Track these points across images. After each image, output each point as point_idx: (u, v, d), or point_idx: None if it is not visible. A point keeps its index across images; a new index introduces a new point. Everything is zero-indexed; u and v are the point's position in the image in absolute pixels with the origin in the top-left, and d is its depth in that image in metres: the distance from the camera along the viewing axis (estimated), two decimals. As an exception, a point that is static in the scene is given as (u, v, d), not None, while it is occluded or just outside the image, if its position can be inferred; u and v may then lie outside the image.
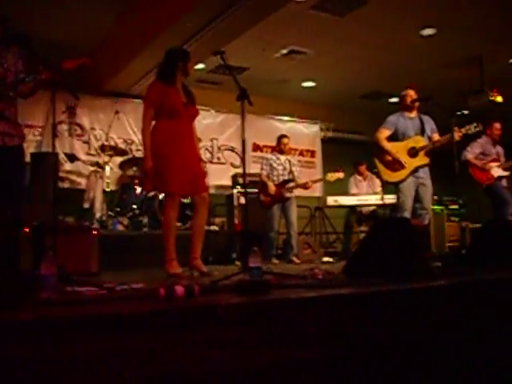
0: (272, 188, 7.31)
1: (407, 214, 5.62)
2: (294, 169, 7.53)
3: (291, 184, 7.39)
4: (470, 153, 7.24)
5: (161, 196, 7.14)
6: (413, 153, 5.80)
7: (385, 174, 5.90)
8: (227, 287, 3.28)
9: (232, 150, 10.32)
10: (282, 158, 7.55)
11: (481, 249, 4.93)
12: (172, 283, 2.91)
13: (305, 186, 7.52)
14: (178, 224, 6.96)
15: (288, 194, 7.36)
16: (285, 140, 7.60)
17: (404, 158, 5.76)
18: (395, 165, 5.79)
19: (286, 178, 7.43)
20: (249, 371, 1.81)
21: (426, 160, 5.80)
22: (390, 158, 5.82)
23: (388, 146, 5.85)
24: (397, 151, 5.79)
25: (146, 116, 4.57)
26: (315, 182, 8.11)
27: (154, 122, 4.63)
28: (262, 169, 7.58)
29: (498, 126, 7.37)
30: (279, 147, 7.61)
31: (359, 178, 9.11)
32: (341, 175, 7.75)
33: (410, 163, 5.75)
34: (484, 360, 1.99)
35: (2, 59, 3.86)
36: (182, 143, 4.60)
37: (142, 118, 4.59)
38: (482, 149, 7.31)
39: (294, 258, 7.31)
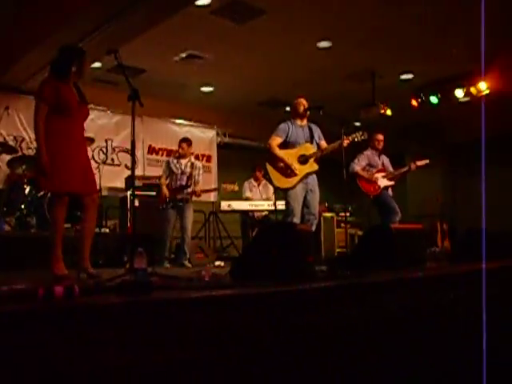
0: (164, 190, 7.36)
1: (296, 220, 5.78)
2: (195, 172, 7.57)
3: (188, 190, 7.42)
4: (358, 165, 7.54)
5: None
6: (303, 160, 5.98)
7: (276, 180, 6.04)
8: (111, 288, 3.26)
9: (127, 151, 10.16)
10: (183, 161, 7.57)
11: (364, 253, 5.17)
12: (52, 284, 2.86)
13: (196, 194, 7.57)
14: (68, 225, 6.83)
15: (182, 199, 7.39)
16: (182, 144, 7.65)
17: (295, 165, 5.93)
18: (286, 171, 5.94)
19: (184, 183, 7.45)
20: (124, 371, 1.82)
21: (315, 167, 6.01)
22: (281, 164, 5.97)
23: (280, 153, 6.00)
24: (288, 158, 5.95)
25: (39, 112, 4.41)
26: (209, 191, 8.22)
27: (45, 120, 4.47)
28: (163, 172, 7.70)
29: (380, 137, 7.73)
30: (180, 152, 7.64)
31: (254, 183, 9.28)
32: (235, 188, 7.96)
33: (301, 170, 5.93)
34: (354, 360, 2.11)
35: None
36: (75, 142, 4.53)
37: (34, 114, 4.42)
38: (369, 160, 7.64)
39: (186, 263, 7.33)
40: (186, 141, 7.74)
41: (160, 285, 3.31)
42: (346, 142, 5.88)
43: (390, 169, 7.72)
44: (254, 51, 8.96)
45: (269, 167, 6.09)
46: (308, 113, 6.16)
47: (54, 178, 4.38)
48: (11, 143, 8.70)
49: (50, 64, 4.71)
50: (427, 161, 7.59)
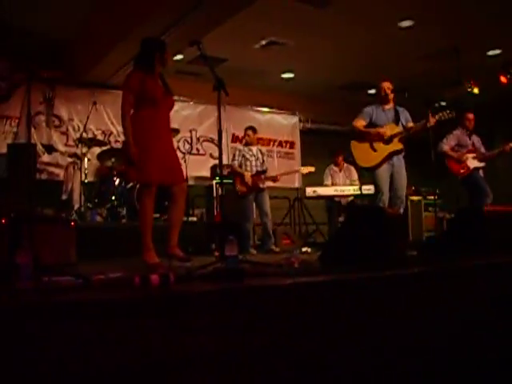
0: (248, 177, 7.34)
1: (385, 199, 5.68)
2: (265, 158, 7.59)
3: (266, 175, 7.44)
4: (446, 144, 7.31)
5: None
6: (387, 139, 5.86)
7: (360, 160, 5.97)
8: (203, 276, 3.31)
9: (211, 141, 10.30)
10: (254, 148, 7.58)
11: (454, 237, 5.00)
12: (147, 272, 2.93)
13: (275, 179, 7.58)
14: (156, 215, 6.99)
15: (262, 185, 7.41)
16: (248, 132, 7.66)
17: (378, 144, 5.84)
18: (370, 150, 5.85)
19: (260, 169, 7.46)
20: (221, 357, 1.83)
21: (399, 146, 5.87)
22: (366, 143, 5.88)
23: (364, 129, 5.94)
24: (372, 136, 5.87)
25: (126, 103, 4.53)
26: (284, 174, 8.17)
27: (132, 111, 4.60)
28: (233, 160, 7.63)
29: (471, 116, 7.45)
30: (244, 139, 7.68)
31: (335, 168, 9.16)
32: (312, 169, 7.90)
33: (385, 149, 5.82)
34: (454, 349, 2.04)
35: None
36: (161, 133, 4.61)
37: (121, 105, 4.54)
38: (458, 140, 7.39)
39: (273, 247, 7.35)
40: (252, 128, 7.73)
41: (251, 272, 3.33)
42: (432, 121, 5.71)
43: (482, 150, 7.43)
44: (335, 35, 8.83)
45: (353, 147, 6.02)
46: (392, 96, 6.02)
47: (142, 168, 4.47)
48: (100, 137, 9.02)
49: (135, 58, 4.83)
50: None
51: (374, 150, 5.85)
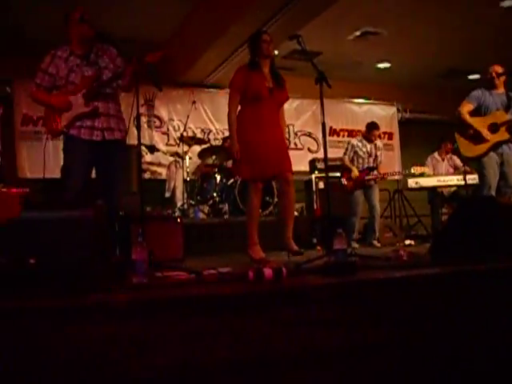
0: (355, 173, 7.23)
1: (492, 191, 5.45)
2: (378, 153, 7.43)
3: (375, 172, 7.31)
4: None
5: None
6: (493, 128, 5.62)
7: (465, 149, 5.75)
8: (311, 270, 3.31)
9: (309, 135, 10.29)
10: (368, 145, 7.44)
11: None
12: (260, 266, 2.96)
13: (384, 177, 7.45)
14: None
15: (370, 182, 7.30)
16: (375, 132, 7.44)
17: (485, 131, 5.61)
18: (476, 139, 5.64)
19: (371, 165, 7.34)
20: (340, 350, 1.82)
21: (506, 136, 5.61)
22: (471, 132, 5.67)
23: (469, 119, 5.69)
24: (477, 125, 5.64)
25: (232, 101, 4.62)
26: (394, 174, 7.99)
27: (239, 108, 4.66)
28: (344, 153, 7.50)
29: None
30: (368, 137, 7.48)
31: (438, 157, 8.85)
32: (426, 169, 7.67)
33: (491, 138, 5.59)
34: None
35: (98, 59, 4.15)
36: (265, 129, 4.59)
37: (228, 103, 4.64)
38: None
39: (375, 242, 7.24)
40: (377, 128, 7.55)
41: (361, 265, 3.30)
42: None
43: None
44: (431, 21, 8.55)
45: (457, 136, 5.81)
46: (502, 79, 5.76)
47: (247, 165, 4.54)
48: (200, 135, 9.21)
49: None
50: None
51: (480, 139, 5.62)
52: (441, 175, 8.47)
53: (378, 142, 7.61)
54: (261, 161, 4.53)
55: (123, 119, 4.27)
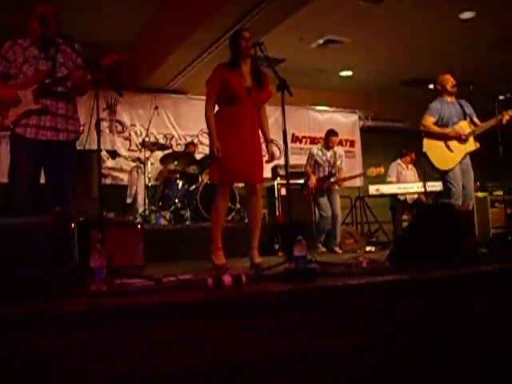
0: (313, 181, 7.32)
1: (459, 202, 5.52)
2: (338, 162, 7.51)
3: (331, 179, 7.38)
4: None
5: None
6: (464, 139, 5.69)
7: (436, 161, 5.74)
8: (272, 276, 3.31)
9: (271, 141, 10.30)
10: (328, 153, 7.51)
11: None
12: (219, 273, 2.94)
13: (344, 181, 7.54)
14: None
15: (331, 187, 7.38)
16: (333, 138, 7.52)
17: (454, 144, 5.68)
18: (447, 151, 5.69)
19: (326, 173, 7.41)
20: (299, 357, 1.82)
21: (476, 145, 5.70)
22: (440, 144, 5.71)
23: (441, 130, 5.73)
24: (447, 137, 5.70)
25: (208, 100, 4.50)
26: (355, 177, 8.09)
27: (216, 108, 4.57)
28: (306, 163, 7.58)
29: None
30: (326, 144, 7.55)
31: (403, 165, 8.95)
32: (381, 170, 7.71)
33: (462, 148, 5.67)
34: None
35: (57, 53, 3.99)
36: (241, 131, 4.47)
37: (205, 103, 4.52)
38: None
39: (337, 249, 7.30)
40: (336, 134, 7.63)
41: (321, 272, 3.31)
42: (506, 119, 5.53)
43: None
44: (393, 30, 8.67)
45: (426, 147, 5.81)
46: (456, 89, 5.86)
47: (218, 167, 4.44)
48: (162, 141, 9.16)
49: None
50: None
51: (451, 151, 5.68)
52: (405, 182, 8.57)
53: (339, 150, 7.70)
54: (234, 165, 4.42)
55: (74, 120, 4.11)
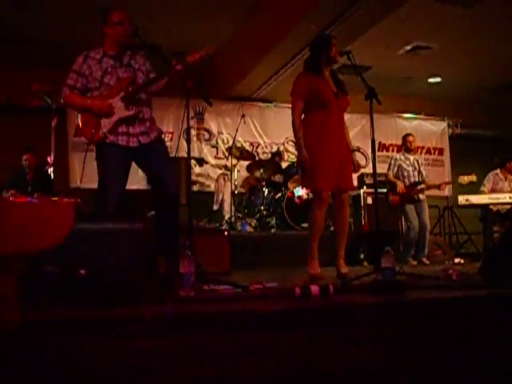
0: (401, 187, 7.16)
1: None
2: (422, 168, 7.36)
3: (421, 185, 7.21)
4: None
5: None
6: None
7: None
8: (359, 287, 3.28)
9: (358, 150, 10.21)
10: (411, 157, 7.37)
11: None
12: (307, 283, 2.95)
13: (438, 188, 7.36)
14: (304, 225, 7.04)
15: (417, 196, 7.20)
16: (410, 138, 7.44)
17: None
18: None
19: (416, 179, 7.26)
20: (385, 371, 1.80)
21: None
22: None
23: None
24: None
25: (296, 109, 4.41)
26: (447, 184, 7.86)
27: (303, 115, 4.47)
28: (388, 169, 7.44)
29: None
30: (405, 145, 7.44)
31: (500, 175, 8.49)
32: (474, 178, 7.47)
33: None
34: None
35: (131, 60, 4.06)
36: (333, 136, 4.39)
37: (291, 112, 4.44)
38: None
39: (424, 259, 7.13)
40: (410, 134, 7.56)
41: (409, 284, 3.25)
42: None
43: None
44: (482, 34, 8.39)
45: None
46: None
47: (311, 175, 4.35)
48: (248, 149, 9.23)
49: (304, 62, 4.70)
50: None
51: None
52: (501, 192, 8.20)
53: (420, 158, 7.56)
54: (329, 171, 4.31)
55: (155, 122, 4.14)
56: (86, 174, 4.81)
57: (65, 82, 3.94)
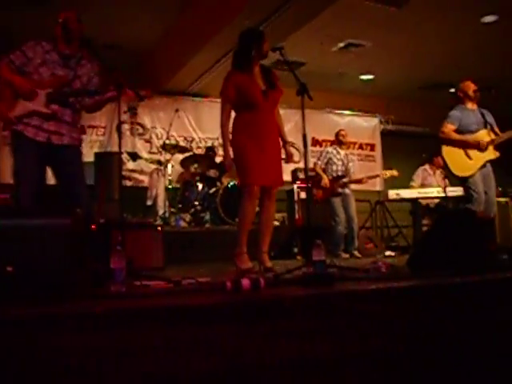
0: (325, 181, 7.27)
1: (481, 208, 5.46)
2: (350, 164, 7.50)
3: (344, 179, 7.35)
4: None
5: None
6: (481, 147, 5.63)
7: (455, 168, 5.69)
8: (290, 281, 3.31)
9: (291, 145, 10.29)
10: (342, 152, 7.50)
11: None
12: (238, 276, 2.95)
13: (360, 182, 7.51)
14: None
15: (340, 190, 7.33)
16: (343, 132, 7.60)
17: (473, 152, 5.62)
18: (466, 158, 5.63)
19: (340, 173, 7.39)
20: (315, 361, 1.83)
21: (495, 154, 5.64)
22: (459, 151, 5.65)
23: (460, 137, 5.66)
24: (467, 145, 5.63)
25: (223, 111, 4.43)
26: (370, 178, 8.05)
27: (234, 115, 4.49)
28: (318, 159, 7.56)
29: None
30: (338, 139, 7.58)
31: (429, 170, 8.78)
32: (395, 173, 7.67)
33: (481, 157, 5.61)
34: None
35: (77, 65, 4.03)
36: (263, 135, 4.41)
37: (220, 113, 4.45)
38: None
39: (356, 252, 7.28)
40: (341, 129, 7.74)
41: (339, 276, 3.31)
42: None
43: None
44: (414, 33, 8.63)
45: (445, 154, 5.75)
46: (478, 94, 5.78)
47: (244, 171, 4.38)
48: (182, 144, 9.20)
49: (233, 55, 4.66)
50: None
51: (470, 158, 5.62)
52: (431, 187, 8.46)
53: (350, 154, 7.72)
54: (260, 167, 4.35)
55: (78, 129, 4.10)
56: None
57: (7, 55, 3.93)
